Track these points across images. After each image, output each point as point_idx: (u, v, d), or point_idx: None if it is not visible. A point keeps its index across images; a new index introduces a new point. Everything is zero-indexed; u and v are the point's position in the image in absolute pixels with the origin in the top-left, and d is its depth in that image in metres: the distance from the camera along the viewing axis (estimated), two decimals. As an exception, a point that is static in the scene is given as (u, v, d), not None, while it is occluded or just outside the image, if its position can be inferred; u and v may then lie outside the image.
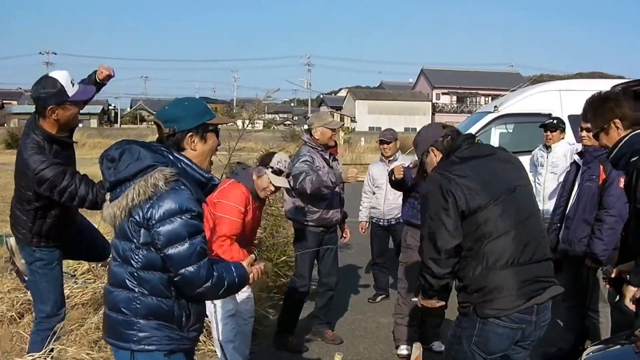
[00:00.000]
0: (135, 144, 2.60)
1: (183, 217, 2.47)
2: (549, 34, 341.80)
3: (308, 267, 5.60)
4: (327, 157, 5.53)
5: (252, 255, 2.89)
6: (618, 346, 3.16)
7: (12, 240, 5.67)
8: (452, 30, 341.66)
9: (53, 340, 3.97)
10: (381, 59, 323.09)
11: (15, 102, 79.18)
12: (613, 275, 3.81)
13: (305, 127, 5.91)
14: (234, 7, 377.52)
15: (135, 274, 2.55)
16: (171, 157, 2.59)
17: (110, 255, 2.77)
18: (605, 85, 7.35)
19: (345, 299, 7.20)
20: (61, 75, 3.72)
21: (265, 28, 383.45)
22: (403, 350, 5.32)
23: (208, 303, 4.23)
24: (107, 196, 2.63)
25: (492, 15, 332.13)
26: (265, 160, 4.62)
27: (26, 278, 4.38)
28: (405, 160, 6.56)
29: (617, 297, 3.96)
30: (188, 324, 2.67)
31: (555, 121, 6.74)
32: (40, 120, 3.77)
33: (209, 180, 2.69)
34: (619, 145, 3.25)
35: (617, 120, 3.28)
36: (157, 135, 2.73)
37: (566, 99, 8.51)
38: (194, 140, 2.65)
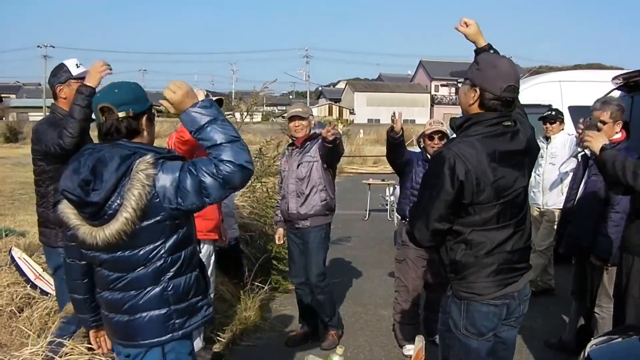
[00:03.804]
0: (94, 151, 2.44)
1: (181, 173, 2.39)
2: (547, 26, 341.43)
3: (290, 263, 5.66)
4: (294, 150, 5.40)
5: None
6: (621, 339, 3.16)
7: (16, 252, 5.68)
8: (450, 22, 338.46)
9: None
10: (380, 51, 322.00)
11: (13, 96, 79.12)
12: None
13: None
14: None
15: (163, 265, 2.49)
16: (129, 146, 2.48)
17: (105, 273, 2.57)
18: (604, 76, 7.33)
19: (346, 292, 7.19)
20: (68, 61, 4.08)
21: (263, 20, 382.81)
22: (409, 350, 5.09)
23: None
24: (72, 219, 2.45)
25: (490, 6, 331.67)
26: None
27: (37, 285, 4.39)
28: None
29: None
30: (209, 288, 2.71)
31: (553, 112, 6.72)
32: (56, 103, 4.08)
33: (169, 152, 2.59)
34: None
35: None
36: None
37: (566, 90, 8.52)
38: (147, 124, 2.57)
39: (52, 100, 4.18)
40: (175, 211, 2.42)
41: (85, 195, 2.35)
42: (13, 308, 5.03)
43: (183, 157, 2.55)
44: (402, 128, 4.93)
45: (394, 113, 4.87)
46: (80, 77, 3.99)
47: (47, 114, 4.21)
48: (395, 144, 5.01)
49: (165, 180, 2.38)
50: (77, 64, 4.07)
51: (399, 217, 5.40)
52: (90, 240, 2.41)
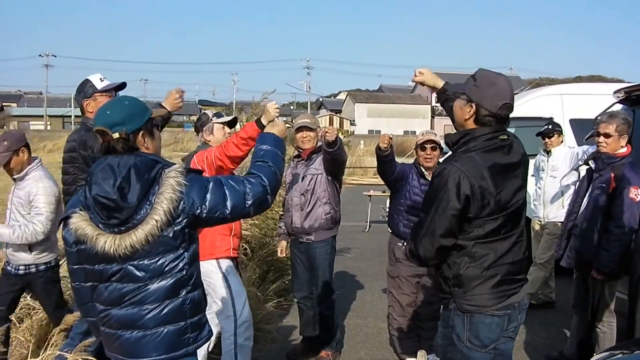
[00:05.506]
0: (121, 159, 2.45)
1: (208, 184, 2.52)
2: (547, 38, 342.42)
3: (293, 277, 5.59)
4: (300, 162, 5.35)
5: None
6: (624, 354, 3.14)
7: None
8: (451, 33, 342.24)
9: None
10: (381, 62, 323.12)
11: (15, 105, 79.17)
12: None
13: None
14: (234, 9, 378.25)
15: (183, 278, 2.51)
16: (150, 156, 2.52)
17: (120, 285, 2.52)
18: (606, 89, 7.34)
19: (347, 304, 7.18)
20: (92, 76, 4.15)
21: (265, 31, 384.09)
22: None
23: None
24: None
25: (491, 18, 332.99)
26: (201, 120, 4.62)
27: None
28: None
29: None
30: (206, 305, 2.73)
31: (550, 126, 6.71)
32: (86, 116, 4.12)
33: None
34: None
35: None
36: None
37: (567, 103, 8.51)
38: (145, 139, 2.56)
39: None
40: (197, 219, 2.48)
41: (122, 199, 2.38)
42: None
43: (202, 171, 2.67)
44: (390, 145, 4.84)
45: (385, 135, 4.85)
46: (106, 90, 4.06)
47: (78, 126, 4.29)
48: (383, 160, 4.91)
49: (193, 187, 2.47)
50: (100, 78, 4.13)
51: (390, 231, 5.26)
52: (112, 248, 2.39)
